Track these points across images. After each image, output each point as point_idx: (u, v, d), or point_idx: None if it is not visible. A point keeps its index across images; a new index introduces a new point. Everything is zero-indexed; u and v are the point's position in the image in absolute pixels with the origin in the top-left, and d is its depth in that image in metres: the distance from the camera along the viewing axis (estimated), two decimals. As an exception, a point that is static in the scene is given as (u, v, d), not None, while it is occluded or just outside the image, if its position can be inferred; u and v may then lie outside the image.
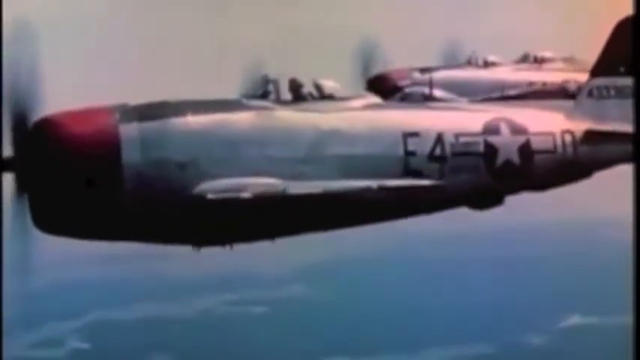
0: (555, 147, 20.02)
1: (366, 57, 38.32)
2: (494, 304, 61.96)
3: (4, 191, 17.02)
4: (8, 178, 16.94)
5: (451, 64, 41.46)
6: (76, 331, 60.58)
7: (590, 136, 20.35)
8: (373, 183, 17.48)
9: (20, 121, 16.81)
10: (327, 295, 63.49)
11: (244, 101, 18.37)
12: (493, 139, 19.42)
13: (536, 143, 19.77)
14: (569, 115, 20.65)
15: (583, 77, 22.69)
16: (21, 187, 16.89)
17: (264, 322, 61.07)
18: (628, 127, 20.39)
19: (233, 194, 16.88)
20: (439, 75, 36.74)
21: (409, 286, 64.14)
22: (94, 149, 16.79)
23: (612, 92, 20.87)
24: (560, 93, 23.47)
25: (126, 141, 17.01)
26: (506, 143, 19.50)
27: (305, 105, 18.53)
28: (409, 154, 18.66)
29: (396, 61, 39.39)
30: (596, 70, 21.16)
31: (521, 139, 19.68)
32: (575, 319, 60.75)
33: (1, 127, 16.80)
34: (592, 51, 21.64)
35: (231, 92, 18.84)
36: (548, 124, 20.21)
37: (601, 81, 20.96)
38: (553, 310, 60.80)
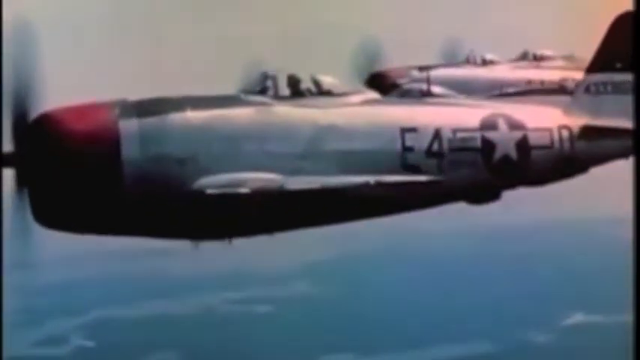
0: (552, 142, 20.09)
1: (366, 55, 38.39)
2: (497, 302, 61.89)
3: (4, 186, 17.13)
4: (8, 174, 17.03)
5: (450, 62, 41.45)
6: (79, 329, 60.59)
7: (588, 132, 20.41)
8: (371, 178, 17.57)
9: (20, 117, 16.91)
10: (331, 293, 63.42)
11: (243, 97, 18.44)
12: (490, 135, 19.49)
13: (534, 139, 19.83)
14: (567, 110, 20.72)
15: (582, 75, 22.70)
16: (21, 182, 16.98)
17: (268, 320, 61.04)
18: (625, 123, 20.44)
19: (232, 189, 16.97)
20: (437, 73, 36.72)
21: (414, 284, 63.97)
22: (94, 145, 16.89)
23: (609, 88, 20.92)
24: (558, 92, 23.48)
25: (125, 136, 17.09)
26: (504, 139, 19.56)
27: (303, 101, 18.61)
28: (407, 149, 18.73)
29: (394, 59, 39.44)
30: (593, 66, 21.22)
31: (519, 134, 19.75)
32: (578, 317, 60.65)
33: (1, 123, 16.91)
34: (592, 49, 21.59)
35: (230, 88, 18.94)
36: (546, 120, 20.27)
37: (598, 77, 21.03)
38: (556, 308, 60.70)
